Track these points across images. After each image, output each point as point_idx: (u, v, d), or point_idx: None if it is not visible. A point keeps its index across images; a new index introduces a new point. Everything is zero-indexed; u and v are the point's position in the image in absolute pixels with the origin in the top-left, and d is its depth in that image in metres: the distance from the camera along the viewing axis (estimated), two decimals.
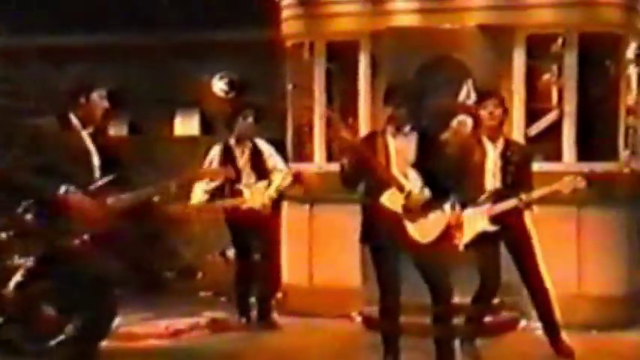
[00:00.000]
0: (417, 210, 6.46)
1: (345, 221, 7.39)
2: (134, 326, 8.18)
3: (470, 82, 8.80)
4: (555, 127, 8.57)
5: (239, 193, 8.48)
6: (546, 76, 8.70)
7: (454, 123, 8.55)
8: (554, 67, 8.63)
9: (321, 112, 8.97)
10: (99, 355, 6.00)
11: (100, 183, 6.00)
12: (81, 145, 6.01)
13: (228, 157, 8.52)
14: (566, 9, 8.52)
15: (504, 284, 7.43)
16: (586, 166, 8.10)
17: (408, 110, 6.53)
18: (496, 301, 7.59)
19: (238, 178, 8.46)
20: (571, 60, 8.48)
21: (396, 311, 6.60)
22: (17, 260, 7.35)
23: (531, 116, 8.61)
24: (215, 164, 8.47)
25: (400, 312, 6.60)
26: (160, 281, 10.43)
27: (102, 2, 10.63)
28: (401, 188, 6.45)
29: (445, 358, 6.62)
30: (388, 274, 6.54)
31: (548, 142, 8.56)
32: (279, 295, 9.17)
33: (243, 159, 8.60)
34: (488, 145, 7.25)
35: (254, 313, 8.64)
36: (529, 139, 8.48)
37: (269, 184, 8.62)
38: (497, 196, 7.18)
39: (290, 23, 9.25)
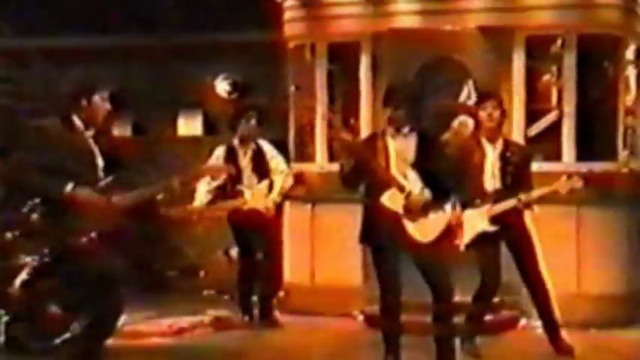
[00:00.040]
0: (417, 210, 6.47)
1: (347, 221, 7.41)
2: (138, 324, 8.21)
3: (470, 83, 8.85)
4: (555, 128, 8.60)
5: (240, 194, 8.54)
6: (546, 77, 8.74)
7: (455, 124, 8.58)
8: (554, 68, 8.67)
9: (322, 113, 9.01)
10: (104, 352, 6.02)
11: (104, 182, 6.02)
12: (85, 146, 6.02)
13: (231, 157, 8.55)
14: (566, 11, 8.56)
15: (504, 283, 7.47)
16: (585, 166, 8.15)
17: (406, 111, 6.53)
18: (496, 300, 7.61)
19: (240, 179, 8.53)
20: (570, 61, 8.51)
21: (396, 310, 6.61)
22: (23, 259, 7.36)
23: (531, 117, 8.64)
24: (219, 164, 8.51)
25: (401, 311, 6.62)
26: (163, 280, 10.45)
27: (105, 4, 10.64)
28: (401, 189, 6.46)
29: (446, 356, 6.63)
30: (388, 274, 6.56)
31: (547, 143, 8.58)
32: (282, 293, 9.19)
33: (245, 160, 8.64)
34: (487, 146, 7.28)
35: (256, 312, 8.68)
36: (529, 140, 8.51)
37: (270, 185, 8.68)
38: (497, 197, 7.22)
39: (292, 25, 9.28)
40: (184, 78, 10.71)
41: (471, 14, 8.71)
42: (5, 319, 7.31)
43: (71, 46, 10.75)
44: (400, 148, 6.55)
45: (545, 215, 7.43)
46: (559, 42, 8.60)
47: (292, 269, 9.26)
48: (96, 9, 10.59)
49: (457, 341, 7.01)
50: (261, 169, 8.67)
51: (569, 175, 7.34)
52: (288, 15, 9.29)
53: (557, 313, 7.40)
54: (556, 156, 8.54)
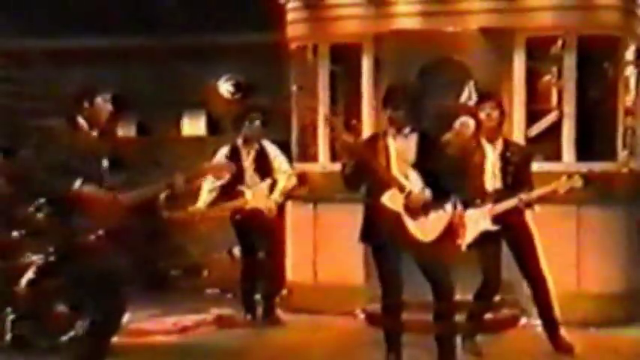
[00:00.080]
0: (417, 209, 6.50)
1: (349, 220, 7.42)
2: (142, 322, 8.24)
3: (471, 83, 8.90)
4: (555, 128, 8.63)
5: (241, 194, 8.58)
6: (546, 78, 8.78)
7: (457, 124, 8.61)
8: (554, 69, 8.70)
9: (325, 114, 9.04)
10: (109, 350, 6.04)
11: (108, 182, 6.04)
12: (90, 147, 6.04)
13: (234, 157, 8.56)
14: (566, 12, 8.59)
15: (505, 282, 7.51)
16: (585, 166, 8.16)
17: (406, 112, 6.55)
18: (497, 298, 7.64)
19: (242, 179, 8.58)
20: (570, 62, 8.54)
21: (398, 308, 6.65)
22: (29, 258, 7.40)
23: (531, 117, 8.67)
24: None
25: (402, 309, 6.65)
26: (167, 279, 10.49)
27: (107, 4, 10.65)
28: (401, 188, 6.49)
29: (446, 354, 6.66)
30: (390, 273, 6.59)
31: (548, 143, 8.61)
32: (284, 292, 9.22)
33: (248, 160, 8.67)
34: (487, 147, 7.31)
35: (259, 310, 8.72)
36: (529, 140, 8.54)
37: (272, 184, 8.73)
38: (498, 197, 7.25)
39: (295, 26, 9.30)
40: (187, 79, 10.72)
41: (472, 16, 8.74)
42: (11, 317, 7.35)
43: (72, 47, 10.76)
44: (401, 149, 6.57)
45: (546, 215, 7.46)
46: (559, 43, 8.62)
47: (295, 268, 9.29)
48: (97, 10, 10.58)
49: (458, 339, 7.04)
50: (264, 169, 8.70)
51: (569, 175, 7.38)
52: (290, 16, 9.31)
53: (557, 312, 7.43)
54: (556, 156, 8.56)
